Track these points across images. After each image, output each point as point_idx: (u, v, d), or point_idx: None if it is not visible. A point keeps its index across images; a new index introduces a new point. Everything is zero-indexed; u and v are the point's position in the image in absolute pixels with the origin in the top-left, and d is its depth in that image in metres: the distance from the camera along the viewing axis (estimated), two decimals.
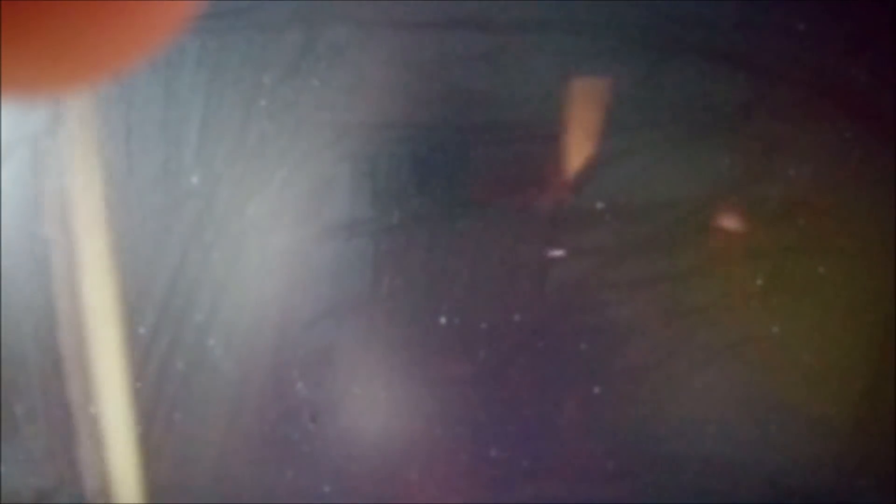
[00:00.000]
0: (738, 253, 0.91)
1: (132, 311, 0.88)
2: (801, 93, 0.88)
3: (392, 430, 0.95)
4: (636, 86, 0.87)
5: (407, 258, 0.91)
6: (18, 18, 0.12)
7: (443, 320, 0.94)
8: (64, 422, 0.89)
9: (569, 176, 0.95)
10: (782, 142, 0.89)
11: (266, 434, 0.92)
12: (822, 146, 0.89)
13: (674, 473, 0.97)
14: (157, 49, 0.14)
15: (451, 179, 0.90)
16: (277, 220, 0.89)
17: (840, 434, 0.94)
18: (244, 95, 0.85)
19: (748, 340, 0.92)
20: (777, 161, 0.89)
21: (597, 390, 0.94)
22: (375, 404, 0.94)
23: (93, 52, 0.13)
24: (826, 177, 0.90)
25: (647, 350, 0.96)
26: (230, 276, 0.89)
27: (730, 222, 0.91)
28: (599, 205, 0.94)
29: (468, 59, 0.87)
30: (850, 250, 0.92)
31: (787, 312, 0.92)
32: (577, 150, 0.95)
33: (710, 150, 0.90)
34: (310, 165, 0.88)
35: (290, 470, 0.93)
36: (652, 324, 0.95)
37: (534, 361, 0.97)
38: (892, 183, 0.90)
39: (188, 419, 0.91)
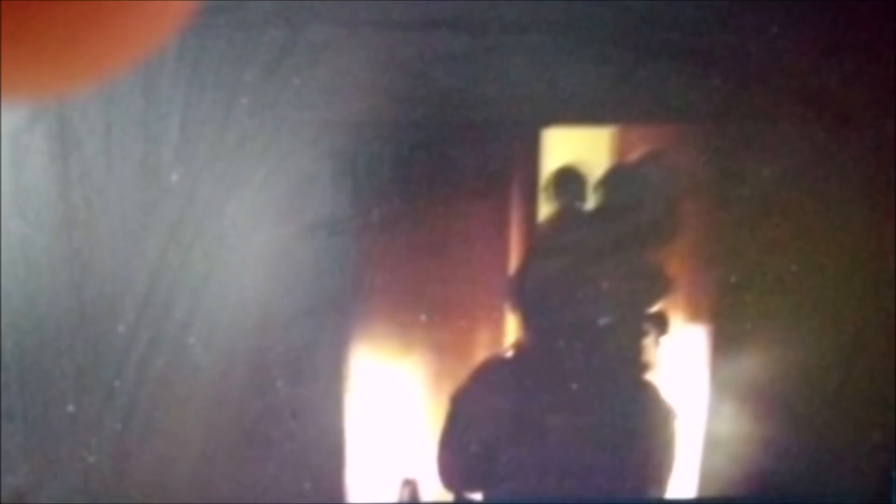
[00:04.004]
0: (712, 251, 0.93)
1: (111, 310, 0.88)
2: (775, 94, 0.89)
3: (372, 428, 0.95)
4: (613, 86, 0.88)
5: (387, 256, 0.92)
6: (13, 22, 0.13)
7: (423, 318, 0.94)
8: (41, 421, 0.88)
9: (548, 175, 0.96)
10: (757, 142, 0.90)
11: (246, 432, 0.92)
12: (795, 147, 0.91)
13: (650, 468, 0.98)
14: (147, 52, 0.15)
15: (431, 178, 0.91)
16: (258, 218, 0.89)
17: (813, 429, 0.96)
18: (224, 93, 0.85)
19: (721, 337, 0.93)
20: (751, 161, 0.91)
21: (574, 386, 0.95)
22: (356, 402, 0.94)
23: (85, 55, 0.14)
24: (800, 177, 0.92)
25: (625, 347, 0.97)
26: (210, 275, 0.89)
27: (705, 221, 0.93)
28: (578, 203, 0.95)
29: (448, 59, 0.87)
30: (823, 249, 0.94)
31: (761, 310, 0.93)
32: (556, 150, 0.96)
33: (686, 149, 0.91)
34: (290, 164, 0.88)
35: (271, 467, 0.93)
36: (629, 321, 0.96)
37: (513, 358, 0.97)
38: (864, 182, 0.92)
39: (168, 417, 0.91)
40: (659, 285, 0.94)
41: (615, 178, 0.93)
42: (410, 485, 0.93)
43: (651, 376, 0.96)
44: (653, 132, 0.92)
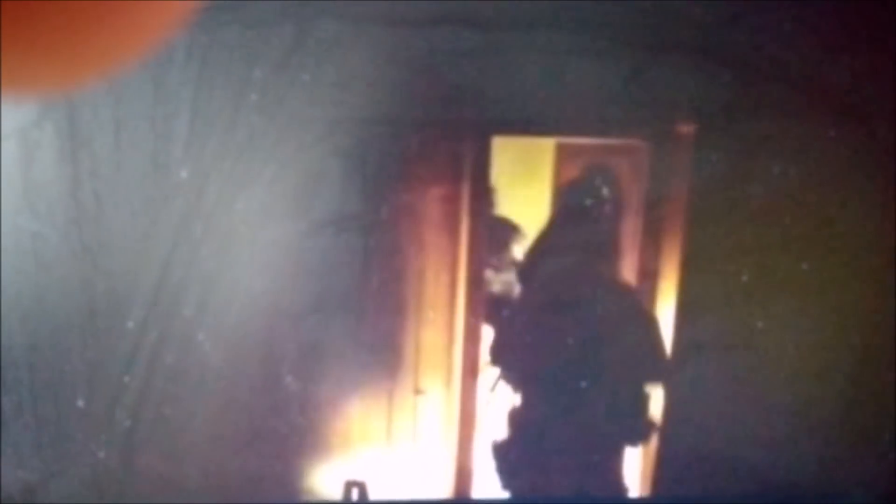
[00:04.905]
0: (723, 249, 0.92)
1: (120, 306, 0.88)
2: (785, 92, 0.88)
3: (381, 425, 0.95)
4: (623, 83, 0.88)
5: (396, 253, 0.92)
6: (22, 19, 0.13)
7: (431, 315, 0.94)
8: (52, 416, 0.89)
9: (557, 173, 0.96)
10: (767, 140, 0.90)
11: (255, 428, 0.92)
12: (805, 144, 0.90)
13: (658, 467, 0.98)
14: (152, 48, 0.15)
15: (439, 175, 0.91)
16: (267, 214, 0.89)
17: (823, 428, 0.95)
18: (234, 90, 0.85)
19: (733, 335, 0.93)
20: (761, 159, 0.90)
21: (584, 384, 0.95)
22: (364, 398, 0.94)
23: (93, 51, 0.14)
24: (810, 175, 0.91)
25: (633, 345, 0.97)
26: (219, 271, 0.89)
27: (715, 219, 0.92)
28: (588, 201, 0.95)
29: (457, 56, 0.87)
30: (833, 247, 0.93)
31: (771, 308, 0.93)
32: (566, 148, 0.96)
33: (696, 147, 0.91)
34: (299, 160, 0.88)
35: (279, 463, 0.93)
36: (638, 319, 0.96)
37: (522, 356, 0.97)
38: (874, 180, 0.91)
39: (177, 413, 0.91)
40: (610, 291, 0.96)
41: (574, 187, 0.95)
42: (359, 486, 0.94)
43: (663, 373, 0.96)
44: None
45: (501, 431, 0.98)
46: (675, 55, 0.87)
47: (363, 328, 0.92)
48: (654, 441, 0.97)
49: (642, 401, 0.97)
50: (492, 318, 0.97)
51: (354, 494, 0.94)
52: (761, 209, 0.91)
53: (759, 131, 0.89)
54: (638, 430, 0.97)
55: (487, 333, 0.97)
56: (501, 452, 0.98)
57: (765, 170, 0.90)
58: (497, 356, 0.97)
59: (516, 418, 0.98)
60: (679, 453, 0.96)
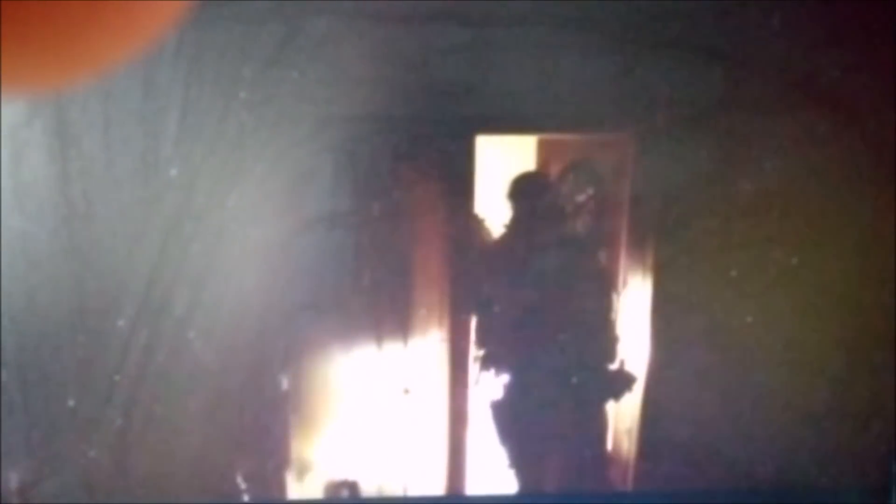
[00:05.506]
0: (713, 244, 0.93)
1: (111, 305, 0.88)
2: (776, 87, 0.89)
3: (373, 422, 0.95)
4: (614, 79, 0.88)
5: (388, 250, 0.92)
6: (12, 17, 0.13)
7: (423, 311, 0.94)
8: (42, 416, 0.88)
9: (550, 168, 0.96)
10: (757, 135, 0.90)
11: (247, 426, 0.92)
12: (796, 139, 0.91)
13: (651, 460, 0.98)
14: (144, 47, 0.15)
15: (431, 172, 0.91)
16: (257, 212, 0.89)
17: (812, 421, 0.96)
18: (224, 87, 0.85)
19: (723, 330, 0.93)
20: (752, 154, 0.90)
21: (575, 380, 0.96)
22: (357, 396, 0.94)
23: (83, 50, 0.14)
24: (800, 169, 0.92)
25: (625, 340, 0.97)
26: (210, 269, 0.89)
27: (706, 214, 0.93)
28: (580, 197, 0.95)
29: (448, 53, 0.87)
30: (823, 242, 0.94)
31: (761, 302, 0.93)
32: (558, 144, 0.96)
33: (687, 143, 0.91)
34: (290, 158, 0.88)
35: (272, 461, 0.93)
36: (629, 313, 0.96)
37: (513, 352, 0.97)
38: (865, 175, 0.91)
39: (168, 412, 0.91)
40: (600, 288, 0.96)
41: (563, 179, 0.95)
42: (350, 485, 0.94)
43: (654, 368, 0.96)
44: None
45: (491, 420, 0.99)
46: (666, 51, 0.87)
47: (354, 326, 0.92)
48: (642, 434, 0.98)
49: (627, 394, 0.97)
50: (478, 316, 0.97)
51: (345, 493, 0.94)
52: (751, 205, 0.91)
53: (750, 126, 0.90)
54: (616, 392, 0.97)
55: (475, 331, 0.97)
56: (499, 433, 0.98)
57: (755, 164, 0.90)
58: (482, 352, 0.98)
59: (502, 410, 0.98)
60: (668, 448, 0.97)
